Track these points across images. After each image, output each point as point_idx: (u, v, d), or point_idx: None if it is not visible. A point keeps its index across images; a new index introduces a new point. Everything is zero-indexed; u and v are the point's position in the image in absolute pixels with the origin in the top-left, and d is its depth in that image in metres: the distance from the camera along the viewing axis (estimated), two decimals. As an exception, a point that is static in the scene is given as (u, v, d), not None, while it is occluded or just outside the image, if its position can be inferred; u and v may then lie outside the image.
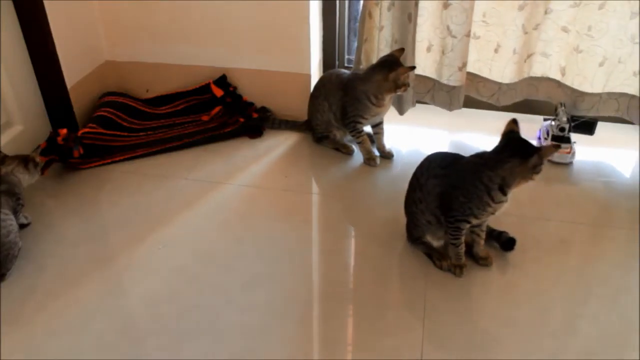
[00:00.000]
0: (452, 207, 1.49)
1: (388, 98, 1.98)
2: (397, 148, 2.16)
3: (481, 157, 1.48)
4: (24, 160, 1.79)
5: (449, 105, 2.20)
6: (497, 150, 1.46)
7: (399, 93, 1.96)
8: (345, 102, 2.03)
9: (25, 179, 1.77)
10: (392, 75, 1.89)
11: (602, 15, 1.95)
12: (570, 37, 2.03)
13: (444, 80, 2.15)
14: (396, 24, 2.08)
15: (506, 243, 1.66)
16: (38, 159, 1.82)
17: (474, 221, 1.51)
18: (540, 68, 2.14)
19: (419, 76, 2.21)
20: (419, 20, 2.06)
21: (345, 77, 2.05)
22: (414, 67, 2.03)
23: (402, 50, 1.97)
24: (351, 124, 2.05)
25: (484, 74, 2.18)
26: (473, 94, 2.24)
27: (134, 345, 1.40)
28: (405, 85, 1.92)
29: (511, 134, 1.46)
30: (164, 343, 1.40)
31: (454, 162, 1.51)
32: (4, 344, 1.39)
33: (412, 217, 1.62)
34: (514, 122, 1.47)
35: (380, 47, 2.14)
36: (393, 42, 2.12)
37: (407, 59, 2.09)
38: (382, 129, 2.10)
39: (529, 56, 2.10)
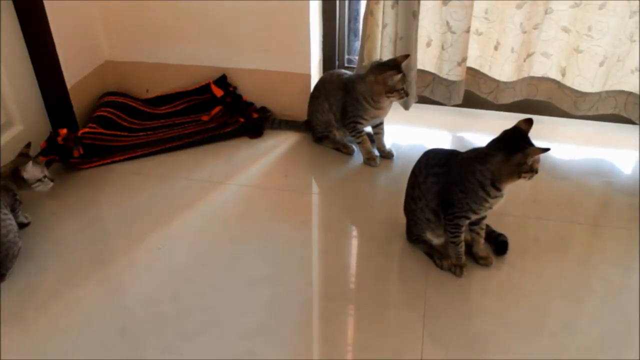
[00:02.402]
0: (452, 204, 1.49)
1: (386, 101, 1.96)
2: (397, 148, 2.16)
3: (475, 151, 1.48)
4: (24, 155, 1.77)
5: (449, 100, 2.21)
6: (489, 144, 1.45)
7: (392, 98, 1.93)
8: (346, 103, 2.03)
9: (34, 173, 1.71)
10: (380, 78, 1.89)
11: (602, 15, 1.95)
12: (571, 37, 2.03)
13: (444, 75, 2.16)
14: (401, 21, 2.07)
15: (498, 248, 1.66)
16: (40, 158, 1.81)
17: (473, 217, 1.51)
18: (541, 68, 2.14)
19: (418, 71, 2.21)
20: (419, 16, 2.06)
21: (346, 78, 2.05)
22: (403, 60, 1.92)
23: (406, 56, 1.94)
24: (351, 125, 2.05)
25: (485, 70, 2.19)
26: (474, 90, 2.25)
27: (134, 345, 1.40)
28: (398, 91, 1.90)
29: (512, 130, 1.43)
30: (164, 343, 1.40)
31: (452, 159, 1.51)
32: (4, 344, 1.39)
33: (411, 215, 1.62)
34: (525, 121, 1.43)
35: (384, 44, 2.15)
36: (397, 39, 2.12)
37: (412, 56, 2.08)
38: (382, 129, 2.10)
39: (529, 56, 2.10)
